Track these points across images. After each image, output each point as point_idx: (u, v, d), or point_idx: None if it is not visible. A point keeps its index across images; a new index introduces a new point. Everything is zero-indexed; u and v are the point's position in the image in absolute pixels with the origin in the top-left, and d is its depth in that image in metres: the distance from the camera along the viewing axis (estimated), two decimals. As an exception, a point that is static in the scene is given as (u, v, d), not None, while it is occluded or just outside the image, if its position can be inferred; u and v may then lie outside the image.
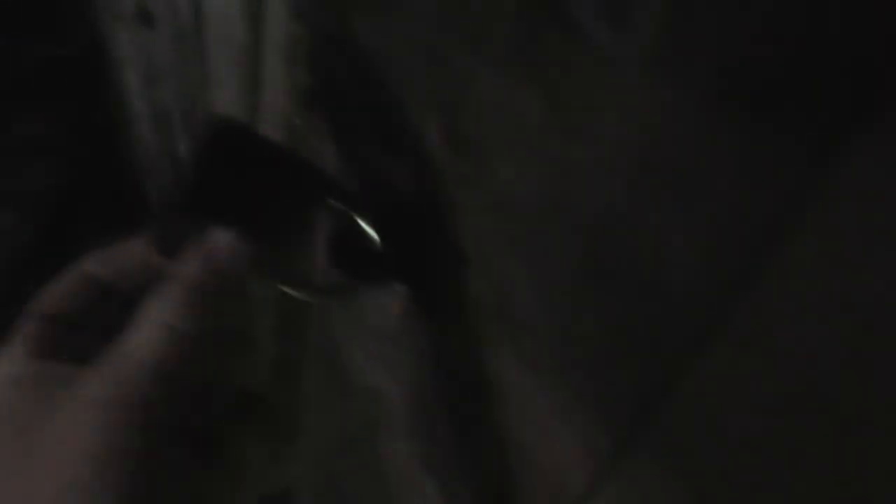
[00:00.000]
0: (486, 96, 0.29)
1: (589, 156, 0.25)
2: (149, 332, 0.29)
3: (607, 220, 0.25)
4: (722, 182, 0.20)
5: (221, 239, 0.31)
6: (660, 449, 0.24)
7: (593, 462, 0.29)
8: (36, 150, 1.68)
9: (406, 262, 0.36)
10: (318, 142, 0.47)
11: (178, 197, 0.32)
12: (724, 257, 0.21)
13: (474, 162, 0.31)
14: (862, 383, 0.18)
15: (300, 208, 0.33)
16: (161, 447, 0.28)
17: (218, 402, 0.32)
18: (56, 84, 1.68)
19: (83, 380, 0.28)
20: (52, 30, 1.62)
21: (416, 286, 0.37)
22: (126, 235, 0.35)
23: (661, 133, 0.22)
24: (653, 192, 0.22)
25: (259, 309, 0.65)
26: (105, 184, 1.72)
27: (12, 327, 0.33)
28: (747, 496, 0.21)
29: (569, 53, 0.24)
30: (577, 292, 0.27)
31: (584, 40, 0.23)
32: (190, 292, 0.30)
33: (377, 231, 0.36)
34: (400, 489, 0.46)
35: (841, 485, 0.19)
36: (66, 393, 0.28)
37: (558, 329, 0.28)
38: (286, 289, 0.35)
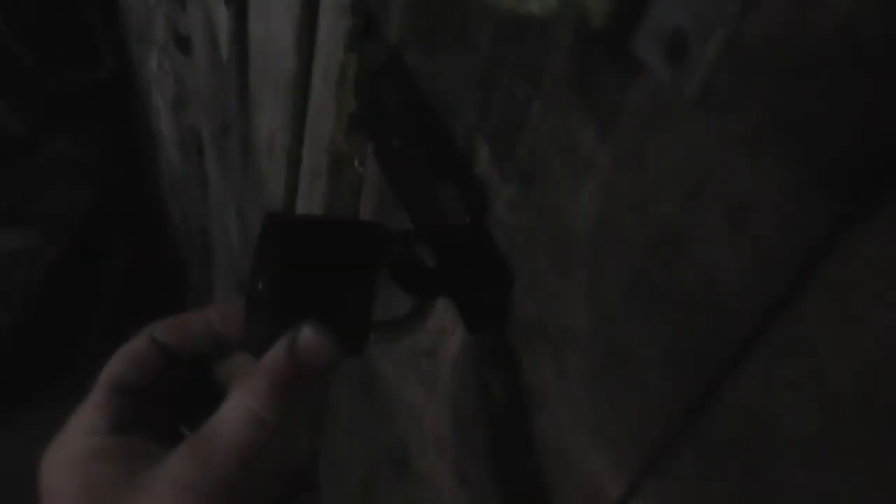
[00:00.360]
0: (538, 125, 0.32)
1: (640, 182, 0.27)
2: (235, 418, 0.30)
3: (657, 241, 0.27)
4: (767, 202, 0.22)
5: (307, 332, 0.32)
6: (706, 449, 0.26)
7: (630, 473, 0.30)
8: (64, 171, 1.71)
9: (453, 278, 0.38)
10: (360, 164, 0.49)
11: (251, 297, 0.34)
12: (769, 274, 0.23)
13: (524, 185, 0.33)
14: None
15: (366, 272, 0.34)
16: None
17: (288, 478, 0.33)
18: (87, 107, 1.72)
19: (169, 460, 0.30)
20: (85, 54, 1.67)
21: (461, 302, 0.39)
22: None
23: (712, 162, 0.24)
24: (704, 215, 0.24)
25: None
26: (130, 204, 1.75)
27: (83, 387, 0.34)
28: (792, 496, 0.23)
29: (625, 86, 0.26)
30: (625, 308, 0.29)
31: (642, 75, 0.25)
32: (276, 384, 0.31)
33: (425, 248, 0.38)
34: (444, 501, 0.48)
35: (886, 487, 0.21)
36: (151, 471, 0.29)
37: (603, 342, 0.30)
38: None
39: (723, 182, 0.24)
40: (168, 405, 0.34)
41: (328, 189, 0.50)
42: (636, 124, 0.26)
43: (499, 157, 0.35)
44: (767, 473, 0.24)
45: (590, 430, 0.32)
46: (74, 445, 0.31)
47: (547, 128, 0.31)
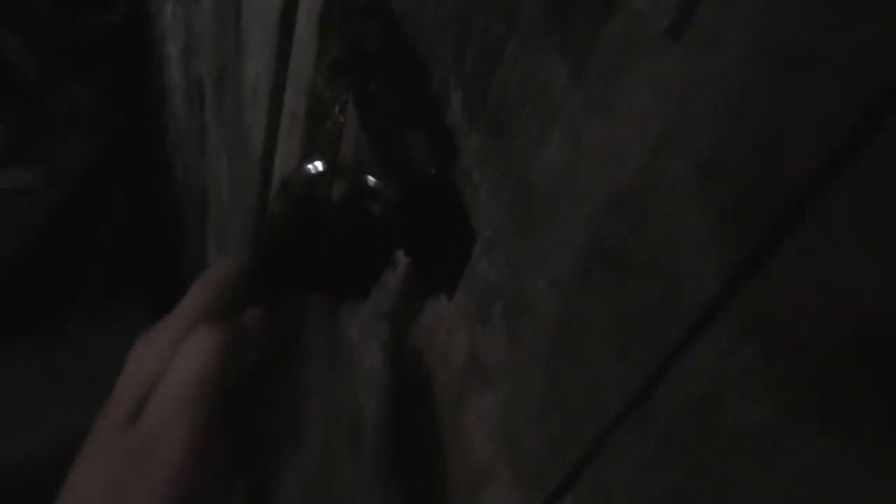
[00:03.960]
0: (512, 66, 0.29)
1: (607, 130, 0.24)
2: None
3: (621, 195, 0.24)
4: (737, 158, 0.19)
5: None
6: (652, 434, 0.23)
7: (570, 460, 0.28)
8: (74, 118, 1.69)
9: (413, 233, 0.35)
10: (340, 112, 0.46)
11: (258, 261, 0.36)
12: (734, 242, 0.20)
13: (493, 135, 0.31)
14: (859, 375, 0.17)
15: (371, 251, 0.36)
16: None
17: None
18: (100, 54, 1.70)
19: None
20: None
21: (421, 259, 0.36)
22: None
23: (683, 109, 0.21)
24: (671, 170, 0.21)
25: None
26: (135, 157, 1.73)
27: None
28: (738, 487, 0.20)
29: (601, 22, 0.23)
30: (580, 276, 0.26)
31: (618, 5, 0.22)
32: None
33: (393, 204, 0.35)
34: (387, 473, 0.45)
35: (837, 474, 0.18)
36: None
37: (556, 313, 0.27)
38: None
39: (692, 133, 0.21)
40: None
41: (305, 136, 0.48)
42: (609, 64, 0.23)
43: (470, 104, 0.32)
44: (712, 467, 0.21)
45: (535, 406, 0.29)
46: None
47: (520, 70, 0.28)
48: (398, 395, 0.42)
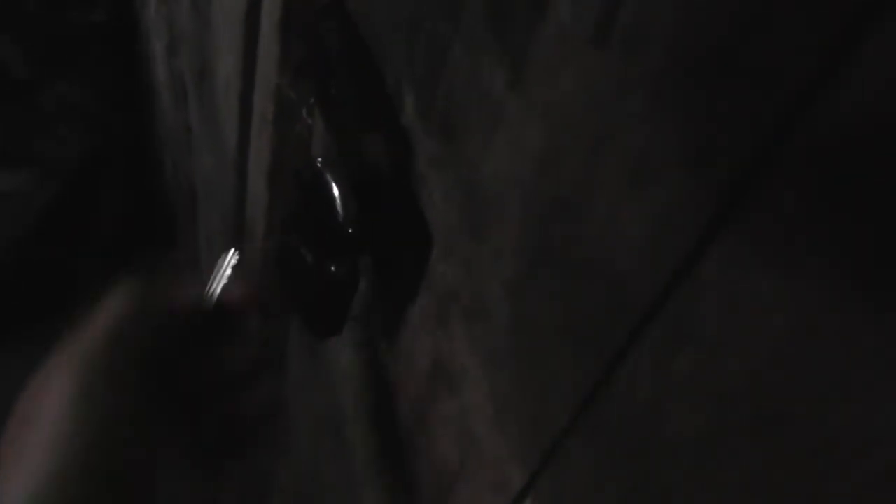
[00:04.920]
0: (457, 69, 0.28)
1: (545, 135, 0.24)
2: None
3: (560, 200, 0.23)
4: (669, 168, 0.19)
5: None
6: (599, 441, 0.23)
7: (535, 454, 0.27)
8: (63, 116, 1.69)
9: (374, 238, 0.35)
10: (308, 114, 0.46)
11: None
12: (667, 246, 0.19)
13: (444, 138, 0.30)
14: (789, 382, 0.17)
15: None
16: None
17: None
18: (88, 51, 1.69)
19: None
20: (85, -1, 1.63)
21: (382, 262, 0.36)
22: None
23: (613, 114, 0.21)
24: (605, 173, 0.21)
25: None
26: (126, 153, 1.72)
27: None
28: (681, 494, 0.20)
29: (533, 23, 0.23)
30: (530, 278, 0.26)
31: (550, 9, 0.22)
32: None
33: (352, 204, 0.35)
34: (364, 474, 0.45)
35: (772, 484, 0.18)
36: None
37: (510, 316, 0.27)
38: None
39: (623, 136, 0.20)
40: None
41: (275, 139, 0.47)
42: (543, 68, 0.23)
43: (422, 107, 0.32)
44: (656, 473, 0.21)
45: (498, 411, 0.29)
46: None
47: (464, 73, 0.28)
48: (371, 398, 0.42)
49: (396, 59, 0.34)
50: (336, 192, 0.34)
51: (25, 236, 1.54)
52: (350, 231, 0.34)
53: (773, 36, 0.16)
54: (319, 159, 0.34)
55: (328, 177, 0.34)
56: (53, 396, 0.32)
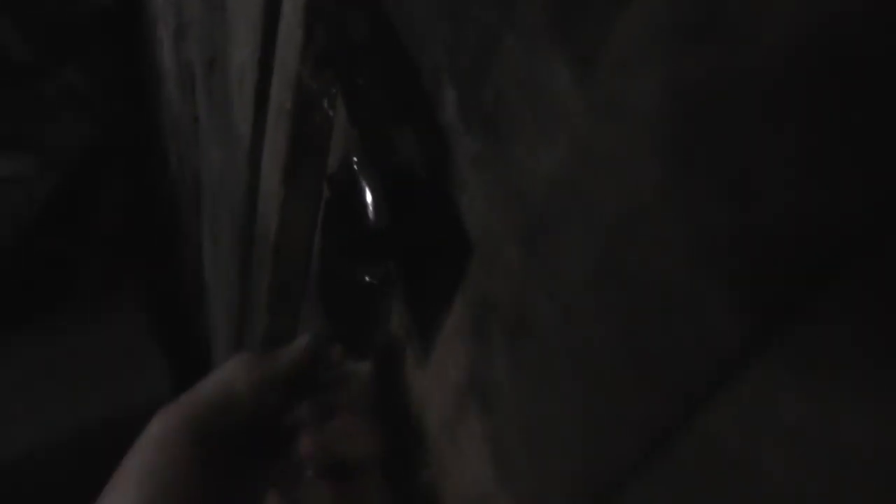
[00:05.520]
0: (509, 62, 0.26)
1: (618, 140, 0.21)
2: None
3: (634, 219, 0.21)
4: (775, 181, 0.16)
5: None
6: (668, 491, 0.21)
7: (582, 495, 0.25)
8: (68, 103, 1.66)
9: (408, 244, 0.32)
10: (330, 106, 0.43)
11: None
12: (785, 265, 0.17)
13: (490, 139, 0.28)
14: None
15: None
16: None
17: None
18: (94, 37, 1.66)
19: None
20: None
21: (413, 270, 0.33)
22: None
23: (704, 119, 0.18)
24: (689, 184, 0.19)
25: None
26: (131, 142, 1.70)
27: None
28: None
29: (609, 20, 0.20)
30: (586, 300, 0.23)
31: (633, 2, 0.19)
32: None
33: (380, 204, 0.33)
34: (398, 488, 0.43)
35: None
36: None
37: (560, 338, 0.25)
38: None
39: (715, 154, 0.18)
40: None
41: (292, 132, 0.45)
42: (622, 61, 0.20)
43: (465, 103, 0.29)
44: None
45: (538, 439, 0.27)
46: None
47: (518, 67, 0.25)
48: (397, 408, 0.39)
49: (435, 48, 0.31)
50: (368, 196, 0.32)
51: (25, 226, 1.51)
52: (382, 237, 0.31)
53: None
54: (355, 159, 0.31)
55: (361, 180, 0.32)
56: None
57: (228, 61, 0.62)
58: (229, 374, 0.37)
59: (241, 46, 0.55)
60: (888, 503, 0.15)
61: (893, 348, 0.14)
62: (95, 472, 0.39)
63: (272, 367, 0.37)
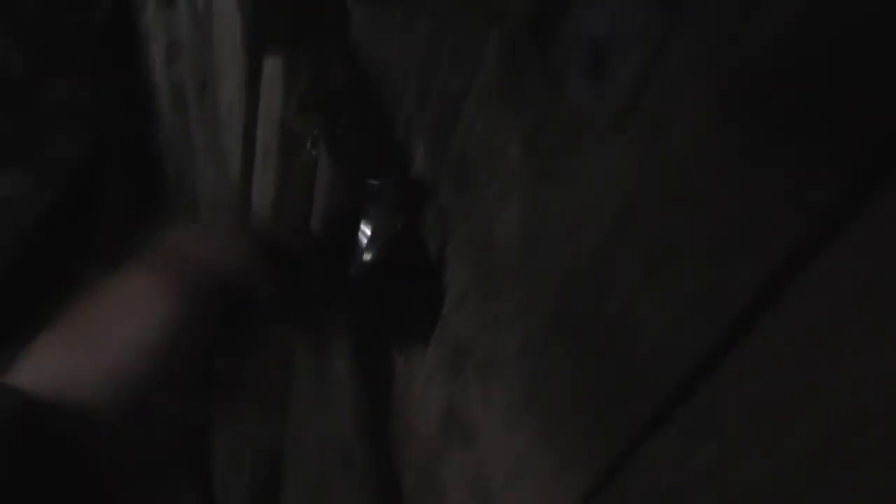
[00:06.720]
0: (470, 126, 0.28)
1: (563, 203, 0.23)
2: None
3: (579, 272, 0.23)
4: (692, 250, 0.19)
5: None
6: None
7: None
8: (64, 117, 1.68)
9: (381, 284, 0.35)
10: (312, 147, 0.46)
11: None
12: (690, 337, 0.19)
13: (456, 191, 0.30)
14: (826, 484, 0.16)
15: None
16: None
17: None
18: (88, 52, 1.68)
19: None
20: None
21: (390, 312, 0.36)
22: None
23: (633, 194, 0.20)
24: (623, 254, 0.21)
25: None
26: (128, 156, 1.72)
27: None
28: None
29: (550, 97, 0.23)
30: (546, 342, 0.25)
31: (565, 92, 0.21)
32: None
33: (369, 250, 0.35)
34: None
35: None
36: None
37: (525, 376, 0.27)
38: None
39: (644, 219, 0.20)
40: None
41: (279, 171, 0.47)
42: (560, 140, 0.23)
43: (433, 157, 0.31)
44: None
45: (510, 471, 0.29)
46: None
47: (478, 129, 0.28)
48: (381, 439, 0.42)
49: (406, 101, 0.33)
50: (362, 237, 0.34)
51: (25, 240, 1.53)
52: (362, 277, 0.34)
53: (803, 148, 0.15)
54: (350, 203, 0.34)
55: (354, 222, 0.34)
56: (145, 307, 0.35)
57: (218, 88, 0.64)
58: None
59: (228, 80, 0.57)
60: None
61: None
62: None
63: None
